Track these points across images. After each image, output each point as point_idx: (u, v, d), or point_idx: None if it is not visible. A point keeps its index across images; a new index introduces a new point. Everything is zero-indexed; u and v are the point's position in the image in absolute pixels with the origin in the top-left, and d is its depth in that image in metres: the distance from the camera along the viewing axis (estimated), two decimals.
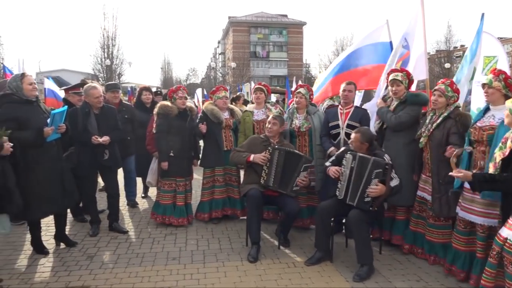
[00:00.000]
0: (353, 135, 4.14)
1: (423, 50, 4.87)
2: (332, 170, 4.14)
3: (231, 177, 5.44)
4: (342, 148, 4.32)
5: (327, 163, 4.30)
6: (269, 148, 4.49)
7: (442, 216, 3.97)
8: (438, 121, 3.92)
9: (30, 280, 3.74)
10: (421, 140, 4.03)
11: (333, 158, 4.31)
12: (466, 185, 3.49)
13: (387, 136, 4.45)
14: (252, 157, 4.52)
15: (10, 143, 3.51)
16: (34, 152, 3.96)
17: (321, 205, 4.26)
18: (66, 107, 4.29)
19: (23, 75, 4.08)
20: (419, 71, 4.77)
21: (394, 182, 3.90)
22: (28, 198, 3.79)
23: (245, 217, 5.40)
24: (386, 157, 3.98)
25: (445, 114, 3.91)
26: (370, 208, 3.90)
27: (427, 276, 3.87)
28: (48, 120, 4.01)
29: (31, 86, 4.03)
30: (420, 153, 4.15)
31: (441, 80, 4.16)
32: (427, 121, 4.06)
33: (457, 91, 4.00)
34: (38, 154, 3.99)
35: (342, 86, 4.85)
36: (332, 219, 4.16)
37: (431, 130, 3.96)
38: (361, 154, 3.98)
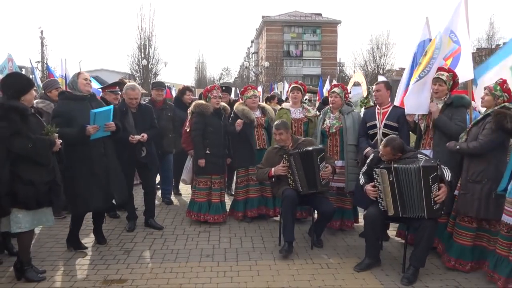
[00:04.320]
0: (382, 149, 3.89)
1: (468, 49, 4.64)
2: (369, 190, 3.98)
3: None
4: (371, 157, 4.16)
5: (361, 181, 4.14)
6: (285, 156, 4.45)
7: (461, 214, 3.84)
8: (479, 118, 3.79)
9: (71, 272, 3.88)
10: (460, 136, 3.89)
11: (364, 168, 4.17)
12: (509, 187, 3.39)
13: (436, 141, 4.24)
14: (273, 170, 4.51)
15: (60, 140, 3.65)
16: (81, 149, 4.06)
17: (369, 212, 4.02)
18: (112, 106, 4.38)
19: (79, 72, 4.31)
20: (465, 71, 4.54)
21: (448, 175, 3.73)
22: (72, 192, 3.92)
23: (275, 217, 5.42)
24: (420, 156, 3.84)
25: (488, 112, 3.76)
26: (442, 213, 3.82)
27: (466, 281, 3.74)
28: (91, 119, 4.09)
29: (85, 81, 4.22)
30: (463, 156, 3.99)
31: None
32: None
33: (507, 91, 3.80)
34: (84, 152, 4.08)
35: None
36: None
37: (470, 126, 3.85)
38: (396, 166, 3.76)
